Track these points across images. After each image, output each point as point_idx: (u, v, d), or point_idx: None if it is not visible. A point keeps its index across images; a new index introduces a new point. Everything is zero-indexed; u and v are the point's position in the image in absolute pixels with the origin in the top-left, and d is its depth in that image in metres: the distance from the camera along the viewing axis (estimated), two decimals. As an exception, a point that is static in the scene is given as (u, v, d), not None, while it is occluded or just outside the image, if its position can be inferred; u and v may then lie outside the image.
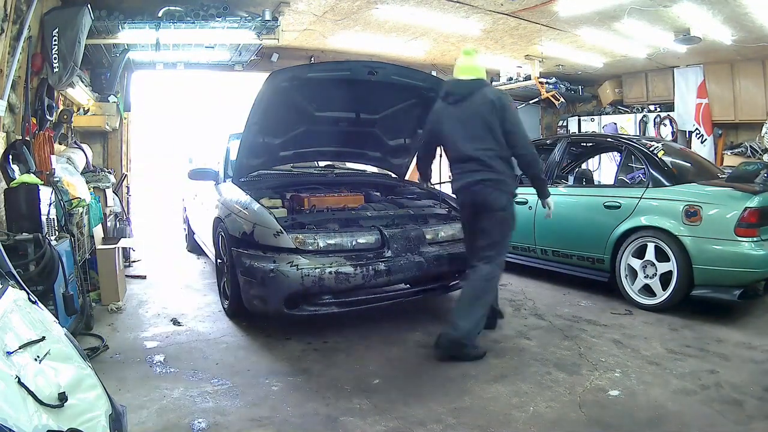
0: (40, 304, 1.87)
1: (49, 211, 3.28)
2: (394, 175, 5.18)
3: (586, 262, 4.65)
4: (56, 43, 4.01)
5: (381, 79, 4.01)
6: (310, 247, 3.37)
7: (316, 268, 3.24)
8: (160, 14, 4.79)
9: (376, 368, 3.04)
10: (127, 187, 6.79)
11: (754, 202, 3.75)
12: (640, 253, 4.23)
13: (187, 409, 2.51)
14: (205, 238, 4.92)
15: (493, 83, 9.12)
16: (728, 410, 2.50)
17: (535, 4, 5.39)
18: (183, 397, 2.64)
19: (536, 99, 9.16)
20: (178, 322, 3.87)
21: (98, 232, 4.63)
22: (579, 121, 9.70)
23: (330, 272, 3.25)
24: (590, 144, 6.10)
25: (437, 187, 4.77)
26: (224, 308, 4.07)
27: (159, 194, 10.21)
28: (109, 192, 5.51)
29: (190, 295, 4.67)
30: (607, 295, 4.44)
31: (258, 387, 2.78)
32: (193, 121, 11.71)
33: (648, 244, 4.17)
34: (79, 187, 4.28)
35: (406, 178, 5.29)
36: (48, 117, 4.23)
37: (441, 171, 5.12)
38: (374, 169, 5.49)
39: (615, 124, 9.03)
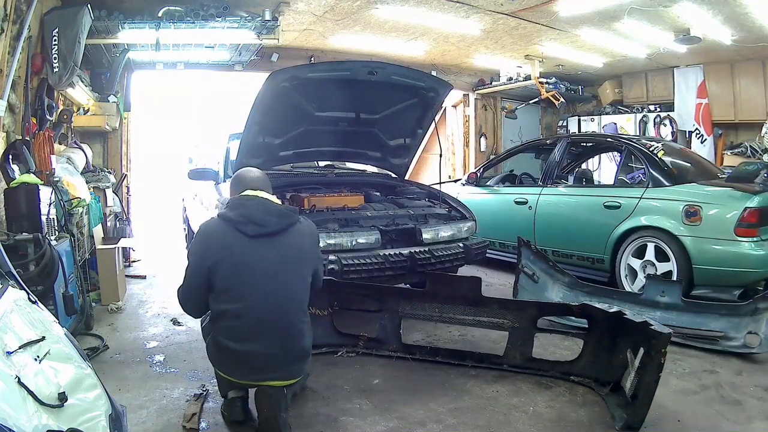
0: (40, 304, 1.88)
1: (49, 211, 3.29)
2: (394, 175, 5.18)
3: (586, 262, 4.66)
4: (56, 43, 4.01)
5: (381, 79, 4.01)
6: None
7: None
8: (160, 14, 4.79)
9: (376, 368, 3.04)
10: (127, 187, 6.79)
11: (754, 202, 3.75)
12: (640, 253, 4.24)
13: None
14: (205, 238, 4.91)
15: (493, 83, 9.14)
16: (728, 410, 2.51)
17: (535, 4, 5.39)
18: (183, 397, 2.64)
19: (536, 99, 9.16)
20: (178, 322, 3.87)
21: (98, 232, 4.63)
22: (579, 121, 9.69)
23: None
24: (590, 144, 6.11)
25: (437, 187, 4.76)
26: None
27: (159, 194, 10.21)
28: (109, 192, 5.51)
29: (190, 295, 4.66)
30: (607, 295, 4.44)
31: (258, 387, 2.77)
32: (193, 121, 11.71)
33: (648, 244, 4.18)
34: (79, 187, 4.28)
35: (406, 178, 5.29)
36: (48, 117, 4.22)
37: (441, 171, 5.13)
38: (374, 169, 5.49)
39: (615, 124, 9.02)
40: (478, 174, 5.99)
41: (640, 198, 4.28)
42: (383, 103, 4.42)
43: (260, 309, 2.19)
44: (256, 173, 2.48)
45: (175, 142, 10.80)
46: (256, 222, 2.23)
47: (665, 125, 8.35)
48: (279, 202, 2.37)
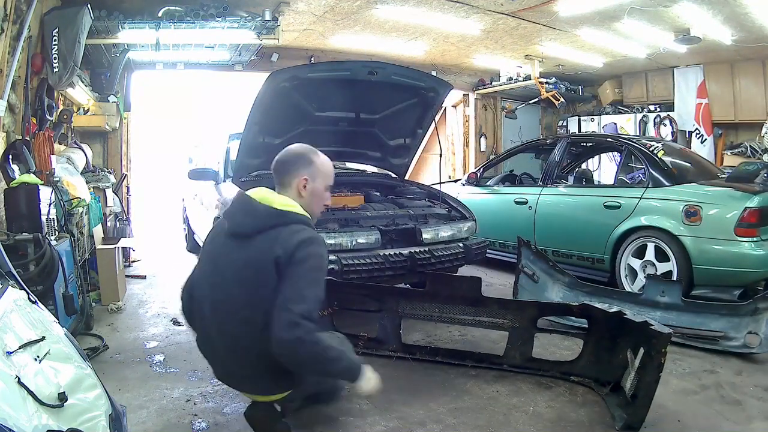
0: (40, 304, 1.88)
1: (49, 211, 3.28)
2: (394, 175, 5.18)
3: (586, 262, 4.66)
4: (56, 43, 4.01)
5: (381, 79, 4.01)
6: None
7: None
8: (160, 14, 4.79)
9: (376, 368, 3.02)
10: (127, 187, 6.79)
11: (754, 202, 3.75)
12: (640, 253, 4.23)
13: (187, 409, 2.51)
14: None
15: (493, 83, 9.13)
16: (728, 410, 2.51)
17: (535, 4, 5.39)
18: (183, 397, 2.64)
19: (536, 99, 9.16)
20: (178, 322, 3.87)
21: (98, 232, 4.63)
22: (579, 121, 9.69)
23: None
24: (590, 144, 6.11)
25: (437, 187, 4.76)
26: (224, 308, 4.06)
27: (159, 194, 10.21)
28: (109, 192, 5.51)
29: (190, 295, 4.66)
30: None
31: (258, 387, 2.77)
32: (193, 121, 11.71)
33: (648, 244, 4.17)
34: (79, 187, 4.28)
35: (406, 178, 5.29)
36: (48, 117, 4.22)
37: (441, 171, 5.13)
38: (374, 169, 5.49)
39: (615, 124, 9.02)
40: (478, 174, 5.99)
41: (640, 198, 4.28)
42: (383, 103, 4.42)
43: (210, 316, 1.97)
44: (282, 154, 2.08)
45: (175, 142, 10.80)
46: (234, 220, 2.01)
47: (665, 125, 8.36)
48: (279, 199, 1.98)
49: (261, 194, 2.00)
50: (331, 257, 3.34)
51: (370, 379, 1.97)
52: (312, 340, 1.76)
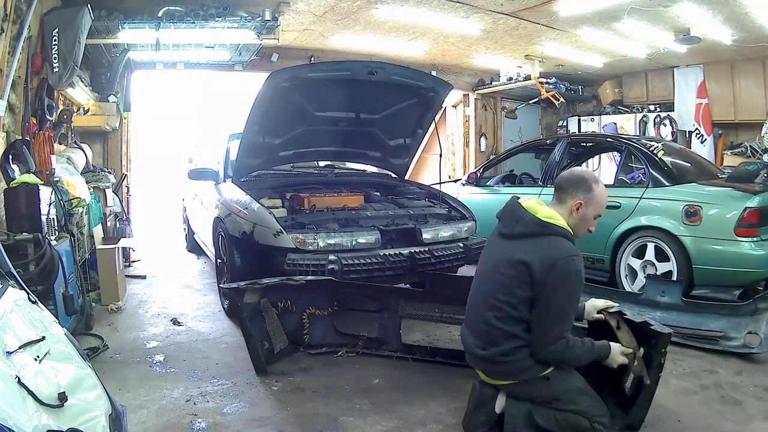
0: (40, 304, 1.88)
1: (49, 211, 3.28)
2: (394, 175, 5.18)
3: (586, 262, 4.57)
4: (56, 43, 4.01)
5: (381, 79, 4.01)
6: (310, 247, 3.38)
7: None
8: (160, 14, 4.79)
9: (376, 368, 3.04)
10: (127, 187, 6.79)
11: (754, 202, 3.75)
12: (640, 253, 4.23)
13: (187, 409, 2.51)
14: (205, 238, 4.93)
15: (493, 83, 9.13)
16: (728, 410, 2.51)
17: (535, 4, 5.39)
18: (183, 397, 2.64)
19: (536, 99, 9.16)
20: (178, 322, 3.87)
21: (98, 232, 4.63)
22: (579, 121, 9.69)
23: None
24: (590, 144, 6.10)
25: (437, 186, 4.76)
26: (224, 308, 4.07)
27: (159, 194, 10.21)
28: (109, 192, 5.51)
29: (190, 295, 4.67)
30: (607, 295, 4.44)
31: (258, 387, 2.78)
32: (193, 121, 11.71)
33: (648, 244, 4.17)
34: (79, 187, 4.28)
35: (406, 178, 5.29)
36: (48, 117, 4.22)
37: (441, 171, 5.13)
38: (374, 169, 5.49)
39: (615, 124, 9.02)
40: (478, 174, 5.98)
41: (640, 198, 4.27)
42: (383, 103, 4.42)
43: (471, 299, 2.36)
44: (568, 173, 2.35)
45: (175, 142, 10.80)
46: (503, 221, 2.28)
47: (665, 125, 8.36)
48: (544, 211, 2.16)
49: (528, 203, 2.21)
50: (331, 257, 3.34)
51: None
52: None
